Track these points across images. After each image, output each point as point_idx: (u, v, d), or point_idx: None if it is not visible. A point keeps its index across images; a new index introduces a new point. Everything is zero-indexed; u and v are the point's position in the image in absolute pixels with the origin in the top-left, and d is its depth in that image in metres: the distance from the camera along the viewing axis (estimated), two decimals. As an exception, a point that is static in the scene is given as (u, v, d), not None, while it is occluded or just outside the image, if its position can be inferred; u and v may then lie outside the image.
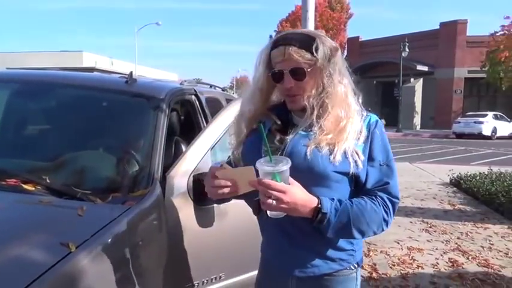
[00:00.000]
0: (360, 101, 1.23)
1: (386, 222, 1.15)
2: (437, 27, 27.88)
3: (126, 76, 2.17)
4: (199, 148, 1.83)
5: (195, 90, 2.61)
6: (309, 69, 1.14)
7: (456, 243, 4.06)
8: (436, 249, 3.90)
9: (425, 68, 27.00)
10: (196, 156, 1.80)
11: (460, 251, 3.85)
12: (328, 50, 1.15)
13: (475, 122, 20.19)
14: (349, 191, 1.17)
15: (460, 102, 27.32)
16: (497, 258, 3.66)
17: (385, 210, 1.14)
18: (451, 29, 26.77)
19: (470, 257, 3.67)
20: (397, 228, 4.48)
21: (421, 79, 27.53)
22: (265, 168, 1.04)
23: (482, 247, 3.96)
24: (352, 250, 1.23)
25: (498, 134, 20.31)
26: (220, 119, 1.97)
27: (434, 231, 4.46)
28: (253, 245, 1.98)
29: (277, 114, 1.23)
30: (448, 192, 6.60)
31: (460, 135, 20.43)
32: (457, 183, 6.98)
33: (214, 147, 1.93)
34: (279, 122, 1.18)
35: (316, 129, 1.13)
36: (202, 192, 1.77)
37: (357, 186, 1.17)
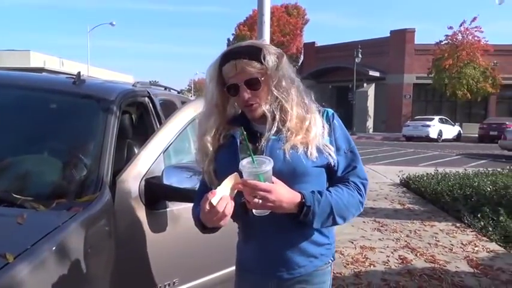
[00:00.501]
0: (313, 97, 1.30)
1: (362, 203, 1.25)
2: (388, 35, 29.23)
3: (74, 76, 2.08)
4: (152, 151, 1.78)
5: (148, 92, 2.55)
6: (262, 78, 1.19)
7: (405, 241, 4.25)
8: (387, 247, 4.06)
9: (377, 74, 28.19)
10: (149, 159, 1.76)
11: (409, 248, 4.03)
12: (275, 57, 1.21)
13: (422, 126, 21.33)
14: (325, 181, 1.26)
15: (409, 107, 28.76)
16: (442, 254, 3.87)
17: (359, 192, 1.24)
18: (400, 37, 28.17)
19: (418, 254, 3.86)
20: (351, 228, 4.62)
21: (374, 84, 28.72)
22: (249, 170, 1.07)
23: (429, 244, 4.18)
24: (329, 244, 1.30)
25: (444, 137, 21.59)
26: (174, 121, 1.94)
27: (386, 230, 4.65)
28: (207, 250, 1.96)
29: (241, 123, 1.26)
30: (398, 192, 6.91)
31: (409, 138, 21.49)
32: (406, 183, 7.33)
33: (167, 150, 1.90)
34: (244, 132, 1.19)
35: (285, 132, 1.19)
36: (154, 195, 1.75)
37: (330, 176, 1.26)
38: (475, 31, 24.05)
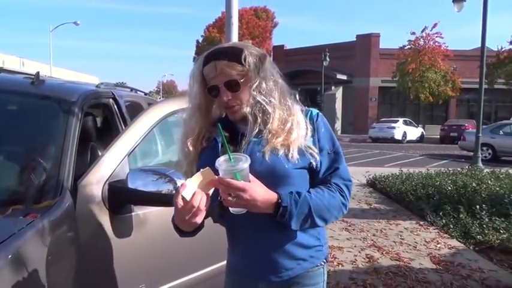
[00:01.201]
0: (297, 97, 1.29)
1: (345, 205, 1.22)
2: (355, 39, 29.96)
3: (33, 77, 1.99)
4: (116, 154, 1.73)
5: (113, 94, 2.48)
6: (241, 80, 1.18)
7: (372, 240, 4.35)
8: (355, 246, 4.14)
9: (345, 77, 28.83)
10: (113, 162, 1.70)
11: (375, 247, 4.13)
12: (257, 58, 1.20)
13: (388, 127, 21.99)
14: (308, 183, 1.22)
15: (375, 109, 29.58)
16: (407, 252, 3.99)
17: (341, 194, 1.20)
18: (366, 42, 28.94)
19: (384, 252, 3.96)
20: (320, 229, 4.67)
21: (341, 87, 29.34)
22: (225, 168, 1.05)
23: (395, 242, 4.30)
24: (320, 246, 1.27)
25: (408, 138, 22.34)
26: (140, 123, 1.89)
27: (353, 230, 4.74)
28: (175, 254, 1.93)
29: (224, 125, 1.22)
30: (365, 192, 7.08)
31: (375, 140, 22.09)
32: (372, 183, 7.52)
33: (133, 153, 1.85)
34: (226, 134, 1.17)
35: (266, 134, 1.17)
36: (119, 200, 1.70)
37: (313, 177, 1.23)
38: (436, 37, 25.06)
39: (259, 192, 1.07)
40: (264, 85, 1.19)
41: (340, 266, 3.61)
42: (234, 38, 4.30)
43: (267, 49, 34.44)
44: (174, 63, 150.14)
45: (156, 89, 68.96)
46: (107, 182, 1.65)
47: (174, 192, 1.61)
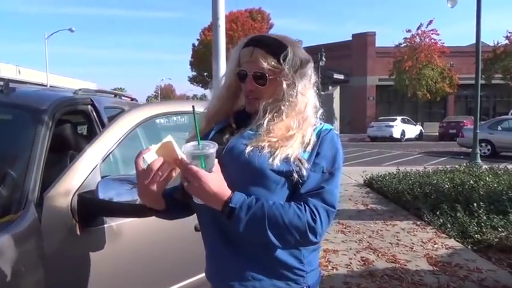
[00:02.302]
0: (319, 114, 1.20)
1: (314, 231, 1.02)
2: (350, 38, 29.92)
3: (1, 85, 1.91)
4: (86, 162, 1.65)
5: (91, 100, 2.40)
6: (271, 76, 1.12)
7: (368, 242, 4.26)
8: (350, 249, 4.05)
9: (342, 77, 28.77)
10: (83, 171, 1.62)
11: (371, 249, 4.04)
12: (298, 60, 1.13)
13: (386, 126, 21.92)
14: (284, 193, 1.09)
15: (373, 108, 29.51)
16: (403, 253, 3.91)
17: (312, 217, 1.03)
18: (362, 41, 28.91)
19: (380, 254, 3.87)
20: (315, 232, 4.59)
21: (339, 87, 29.27)
22: (190, 150, 1.01)
23: (391, 243, 4.21)
24: (301, 270, 1.12)
25: (406, 136, 22.27)
26: (113, 129, 1.82)
27: (349, 232, 4.66)
28: (151, 266, 1.84)
29: (239, 117, 1.21)
30: (362, 192, 6.99)
31: (374, 139, 22.01)
32: (369, 183, 7.43)
33: (107, 160, 1.77)
34: (234, 126, 1.17)
35: (263, 130, 1.10)
36: (89, 211, 1.62)
37: (293, 192, 1.09)
38: (432, 34, 25.03)
39: (212, 184, 1.00)
40: (293, 89, 1.12)
41: (334, 269, 3.52)
42: (222, 39, 4.23)
43: (263, 51, 34.41)
44: (171, 67, 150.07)
45: (154, 93, 68.95)
46: (76, 193, 1.57)
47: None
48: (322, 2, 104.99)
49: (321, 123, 1.17)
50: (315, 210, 1.04)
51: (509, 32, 24.04)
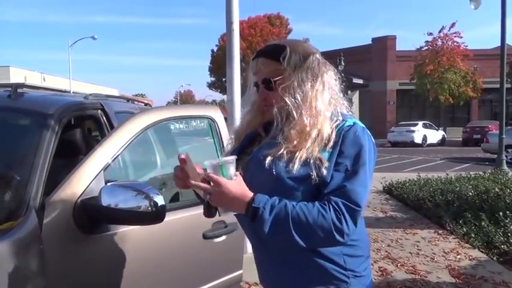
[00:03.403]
0: (344, 105, 1.19)
1: (340, 231, 0.99)
2: (370, 42, 29.56)
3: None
4: (89, 168, 1.61)
5: (101, 105, 2.39)
6: (276, 79, 1.13)
7: (386, 251, 4.11)
8: (368, 258, 3.91)
9: (361, 81, 28.40)
10: (86, 177, 1.59)
11: (389, 258, 3.89)
12: (299, 56, 1.13)
13: (407, 131, 21.44)
14: (306, 197, 1.07)
15: (393, 113, 28.99)
16: (424, 264, 3.74)
17: (337, 216, 1.00)
18: (382, 44, 28.51)
19: (399, 265, 3.72)
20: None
21: (358, 91, 28.90)
22: (210, 161, 1.06)
23: (411, 253, 4.05)
24: (343, 275, 1.09)
25: (428, 142, 21.72)
26: (119, 131, 1.78)
27: (367, 240, 4.50)
28: (155, 275, 1.79)
29: (269, 127, 1.21)
30: (381, 199, 6.80)
31: (394, 144, 21.56)
32: (389, 190, 7.23)
33: (113, 164, 1.73)
34: (263, 134, 1.19)
35: (280, 137, 1.10)
36: (92, 218, 1.58)
37: (317, 192, 1.07)
38: (454, 37, 24.46)
39: (233, 189, 1.01)
40: (301, 86, 1.12)
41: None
42: (236, 44, 4.20)
43: (281, 56, 34.41)
44: (191, 73, 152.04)
45: (174, 99, 69.83)
46: (79, 199, 1.53)
47: (149, 209, 1.50)
48: (342, 6, 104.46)
49: (343, 119, 1.12)
50: (338, 209, 1.01)
51: (536, 34, 23.27)
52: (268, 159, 1.08)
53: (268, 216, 1.00)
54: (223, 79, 36.18)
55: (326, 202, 1.02)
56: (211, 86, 39.57)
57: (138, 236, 1.71)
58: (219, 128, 2.20)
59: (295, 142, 1.08)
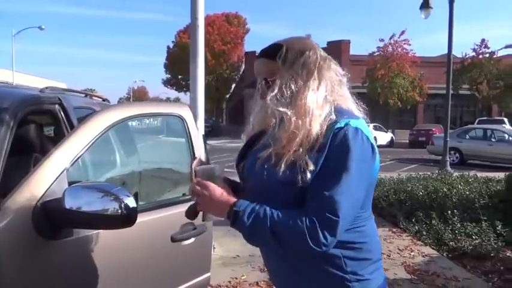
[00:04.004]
0: (350, 100, 1.16)
1: (316, 240, 0.96)
2: (325, 45, 30.36)
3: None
4: (52, 167, 1.49)
5: (59, 99, 2.23)
6: (272, 78, 1.11)
7: (345, 250, 4.20)
8: (328, 257, 3.98)
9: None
10: (47, 178, 1.46)
11: (349, 257, 3.99)
12: (296, 53, 1.10)
13: (359, 133, 22.22)
14: (295, 202, 1.03)
15: (346, 115, 29.90)
16: (381, 261, 3.87)
17: (312, 225, 0.96)
18: (336, 48, 29.32)
19: (358, 262, 3.82)
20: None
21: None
22: (200, 168, 1.15)
23: (368, 251, 4.17)
24: (345, 279, 1.07)
25: (378, 143, 22.43)
26: (83, 129, 1.66)
27: (326, 239, 4.59)
28: (122, 281, 1.69)
29: None
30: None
31: (347, 145, 22.26)
32: (345, 190, 7.42)
33: (76, 165, 1.61)
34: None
35: (271, 140, 1.08)
36: (54, 222, 1.46)
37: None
38: (404, 44, 25.70)
39: (218, 193, 1.06)
40: (288, 85, 1.07)
41: (313, 279, 3.44)
42: (200, 40, 4.11)
43: (238, 55, 34.42)
44: (145, 69, 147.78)
45: (126, 95, 67.49)
46: (39, 202, 1.41)
47: (119, 212, 1.40)
48: (299, 9, 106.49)
49: (337, 119, 1.03)
50: (314, 219, 0.97)
51: (477, 45, 25.05)
52: (258, 161, 1.07)
53: (246, 220, 1.01)
54: (179, 76, 35.57)
55: (304, 210, 0.99)
56: (166, 83, 38.71)
57: (104, 240, 1.60)
58: (188, 127, 2.12)
59: (283, 143, 1.04)
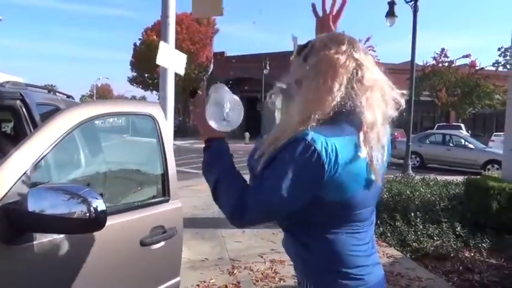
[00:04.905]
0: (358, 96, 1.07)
1: (238, 209, 1.04)
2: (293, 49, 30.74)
3: None
4: (13, 168, 1.39)
5: (21, 95, 2.11)
6: (298, 78, 1.12)
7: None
8: (296, 259, 4.00)
9: (284, 86, 29.31)
10: (7, 179, 1.37)
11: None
12: (311, 47, 1.10)
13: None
14: None
15: (313, 118, 30.39)
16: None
17: (243, 195, 1.04)
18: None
19: (325, 264, 3.86)
20: (261, 241, 4.51)
21: (281, 95, 29.78)
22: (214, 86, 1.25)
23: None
24: (306, 272, 1.14)
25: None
26: (48, 128, 1.57)
27: (294, 241, 4.62)
28: (86, 284, 1.62)
29: None
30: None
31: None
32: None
33: (39, 165, 1.51)
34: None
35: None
36: (15, 227, 1.36)
37: None
38: (369, 50, 26.42)
39: (203, 118, 1.17)
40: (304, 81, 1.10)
41: (281, 281, 3.45)
42: (171, 39, 4.03)
43: (207, 56, 34.17)
44: (110, 66, 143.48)
45: (89, 92, 65.28)
46: (-1, 204, 1.31)
47: (87, 215, 1.33)
48: (267, 10, 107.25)
49: (304, 132, 1.01)
50: (247, 193, 1.05)
51: (437, 54, 26.22)
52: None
53: (210, 156, 1.15)
54: (146, 75, 34.80)
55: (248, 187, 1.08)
56: (132, 81, 37.76)
57: (69, 245, 1.52)
58: (160, 127, 2.05)
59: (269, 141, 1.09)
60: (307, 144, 0.99)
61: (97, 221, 1.35)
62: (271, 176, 1.02)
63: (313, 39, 1.15)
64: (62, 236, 1.48)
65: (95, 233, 1.56)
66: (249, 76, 28.53)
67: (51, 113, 2.42)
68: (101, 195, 1.95)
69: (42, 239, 1.42)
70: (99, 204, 1.35)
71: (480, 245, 4.23)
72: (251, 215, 1.03)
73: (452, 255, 4.07)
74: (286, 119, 1.08)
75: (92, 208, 1.34)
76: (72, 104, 2.41)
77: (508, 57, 17.65)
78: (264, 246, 4.37)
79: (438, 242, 4.30)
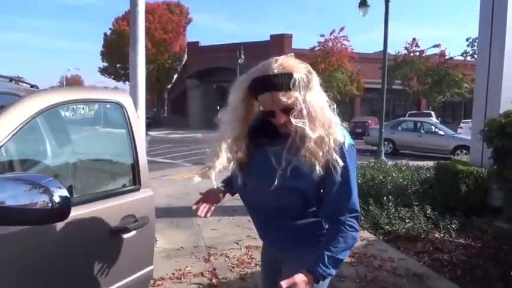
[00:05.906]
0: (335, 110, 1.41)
1: (357, 236, 1.40)
2: (268, 39, 30.63)
3: None
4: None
5: (-21, 83, 2.00)
6: (295, 104, 1.27)
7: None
8: (272, 245, 4.03)
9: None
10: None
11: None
12: (305, 77, 1.28)
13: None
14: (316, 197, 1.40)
15: (288, 107, 30.53)
16: (323, 247, 4.00)
17: (350, 228, 1.36)
18: (279, 42, 29.75)
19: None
20: (237, 229, 4.52)
21: (256, 86, 29.71)
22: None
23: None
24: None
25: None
26: (6, 116, 1.50)
27: (271, 228, 4.65)
28: (54, 279, 1.57)
29: (263, 125, 1.39)
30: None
31: (289, 137, 22.78)
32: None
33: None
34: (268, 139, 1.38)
35: (303, 149, 1.28)
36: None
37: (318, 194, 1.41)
38: (343, 40, 26.70)
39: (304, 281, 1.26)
40: (307, 108, 1.27)
41: (257, 266, 3.46)
42: (141, 27, 3.92)
43: (181, 45, 33.63)
44: (80, 56, 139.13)
45: (59, 84, 63.18)
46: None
47: (50, 205, 1.29)
48: (240, 0, 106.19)
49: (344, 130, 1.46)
50: (348, 224, 1.38)
51: (408, 44, 26.76)
52: (291, 167, 1.28)
53: (332, 271, 1.31)
54: (118, 65, 33.99)
55: (337, 223, 1.35)
56: (103, 71, 36.79)
57: (34, 237, 1.47)
58: (128, 115, 1.99)
59: (314, 151, 1.28)
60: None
61: (60, 211, 1.30)
62: (353, 180, 1.37)
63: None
64: (24, 228, 1.42)
65: (63, 223, 1.51)
66: (224, 66, 28.26)
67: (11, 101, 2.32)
68: (70, 186, 1.91)
69: (3, 232, 1.36)
70: (62, 193, 1.30)
71: (449, 226, 4.37)
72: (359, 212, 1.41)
73: (423, 236, 4.21)
74: (326, 126, 1.33)
75: (54, 198, 1.28)
76: (33, 92, 2.31)
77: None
78: (239, 233, 4.38)
79: (410, 225, 4.43)
